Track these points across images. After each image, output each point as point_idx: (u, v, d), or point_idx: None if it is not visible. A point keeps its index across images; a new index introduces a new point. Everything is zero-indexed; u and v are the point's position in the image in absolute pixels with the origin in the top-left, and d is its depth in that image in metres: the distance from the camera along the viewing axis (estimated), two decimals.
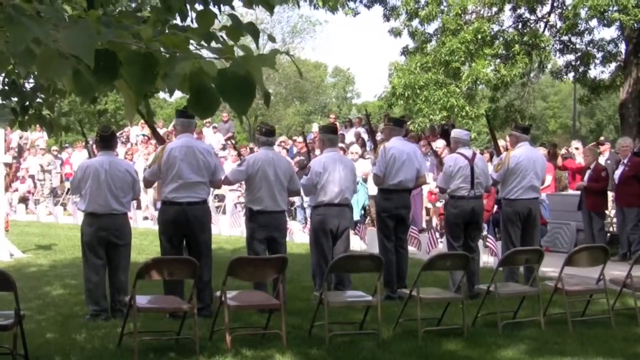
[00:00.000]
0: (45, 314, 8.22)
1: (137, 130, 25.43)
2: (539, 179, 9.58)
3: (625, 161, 12.82)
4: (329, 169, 8.64)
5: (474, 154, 9.33)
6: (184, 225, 7.78)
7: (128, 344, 6.58)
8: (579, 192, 13.57)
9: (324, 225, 8.68)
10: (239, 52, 2.53)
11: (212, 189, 15.04)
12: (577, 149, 15.89)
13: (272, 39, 5.09)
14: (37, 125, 6.13)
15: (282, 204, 8.40)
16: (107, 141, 8.13)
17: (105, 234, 7.83)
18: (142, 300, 6.71)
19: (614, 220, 13.80)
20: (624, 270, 8.17)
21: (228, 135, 23.23)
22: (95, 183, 7.82)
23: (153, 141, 22.76)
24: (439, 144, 15.67)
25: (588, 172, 13.18)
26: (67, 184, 22.73)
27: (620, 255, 12.41)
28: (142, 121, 25.40)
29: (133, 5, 3.75)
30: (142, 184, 8.45)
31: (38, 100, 5.57)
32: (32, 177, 23.88)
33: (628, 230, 12.55)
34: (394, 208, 9.11)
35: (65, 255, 13.09)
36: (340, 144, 17.77)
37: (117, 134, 25.80)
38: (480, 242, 12.15)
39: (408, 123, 19.51)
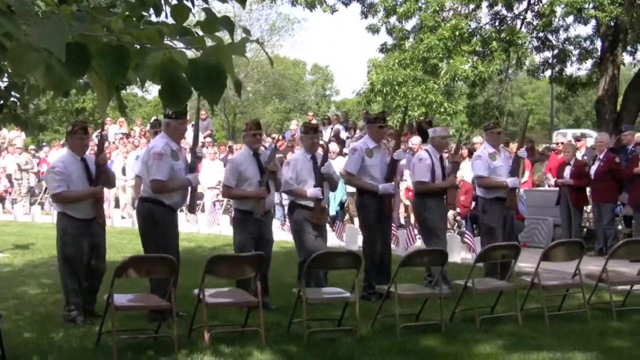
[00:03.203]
0: (23, 313, 8.16)
1: (115, 129, 25.32)
2: None
3: (601, 157, 12.91)
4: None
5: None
6: None
7: (106, 343, 6.55)
8: (556, 188, 13.65)
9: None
10: (210, 43, 2.53)
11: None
12: (562, 143, 15.92)
13: (247, 32, 4.98)
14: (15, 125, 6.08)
15: None
16: None
17: None
18: (120, 299, 6.68)
19: (591, 215, 13.89)
20: (600, 265, 8.24)
21: (206, 133, 23.18)
22: None
23: (131, 139, 22.70)
24: (415, 140, 15.72)
25: (569, 168, 13.25)
26: (44, 183, 22.57)
27: (597, 251, 12.50)
28: (121, 120, 25.37)
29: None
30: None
31: (12, 99, 5.52)
32: (9, 176, 23.68)
33: (604, 225, 12.66)
34: None
35: (43, 254, 13.00)
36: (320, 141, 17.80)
37: (96, 133, 25.81)
38: (458, 238, 12.26)
39: (387, 119, 19.59)
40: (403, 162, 11.84)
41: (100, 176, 7.75)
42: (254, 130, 8.40)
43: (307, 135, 8.84)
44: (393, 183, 8.90)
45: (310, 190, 8.47)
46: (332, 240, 12.31)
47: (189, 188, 7.90)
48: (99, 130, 26.41)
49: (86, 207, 7.67)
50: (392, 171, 8.94)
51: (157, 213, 7.76)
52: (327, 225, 10.24)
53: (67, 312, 7.62)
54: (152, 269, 6.82)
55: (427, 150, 9.37)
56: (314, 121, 20.46)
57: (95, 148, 9.37)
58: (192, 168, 7.83)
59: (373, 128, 9.26)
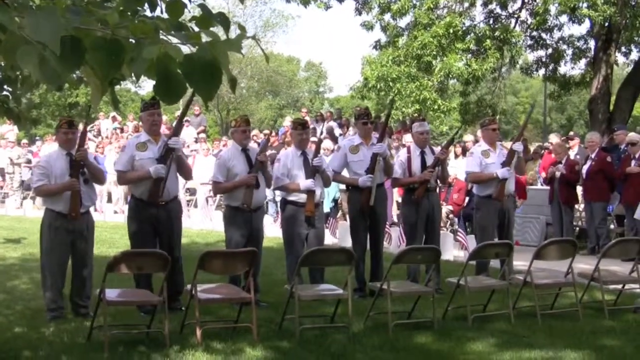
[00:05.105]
0: (14, 308, 8.14)
1: (108, 124, 25.26)
2: None
3: (593, 156, 12.93)
4: None
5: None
6: None
7: (98, 338, 6.53)
8: (548, 187, 13.66)
9: None
10: (205, 39, 2.51)
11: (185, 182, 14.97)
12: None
13: (242, 28, 4.89)
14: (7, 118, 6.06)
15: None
16: None
17: None
18: (111, 293, 6.66)
19: (583, 214, 13.93)
20: (592, 264, 8.25)
21: (200, 128, 23.15)
22: None
23: (124, 134, 22.65)
24: (408, 138, 15.68)
25: (560, 167, 13.26)
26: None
27: (589, 249, 12.53)
28: (113, 115, 25.32)
29: None
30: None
31: (5, 92, 5.49)
32: (1, 170, 23.61)
33: (596, 224, 12.68)
34: None
35: (34, 249, 12.89)
36: (313, 138, 17.78)
37: (88, 128, 25.73)
38: (451, 236, 12.26)
39: (381, 115, 19.61)
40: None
41: (76, 170, 7.53)
42: (243, 126, 8.40)
43: (296, 131, 8.83)
44: (372, 175, 8.84)
45: (303, 182, 8.45)
46: (325, 237, 12.28)
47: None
48: (91, 125, 26.44)
49: (66, 201, 7.54)
50: (373, 164, 8.91)
51: (130, 205, 8.09)
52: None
53: (49, 314, 7.59)
54: (144, 264, 6.80)
55: (408, 147, 9.45)
56: (306, 117, 20.46)
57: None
58: (159, 159, 7.77)
59: (358, 124, 9.30)
